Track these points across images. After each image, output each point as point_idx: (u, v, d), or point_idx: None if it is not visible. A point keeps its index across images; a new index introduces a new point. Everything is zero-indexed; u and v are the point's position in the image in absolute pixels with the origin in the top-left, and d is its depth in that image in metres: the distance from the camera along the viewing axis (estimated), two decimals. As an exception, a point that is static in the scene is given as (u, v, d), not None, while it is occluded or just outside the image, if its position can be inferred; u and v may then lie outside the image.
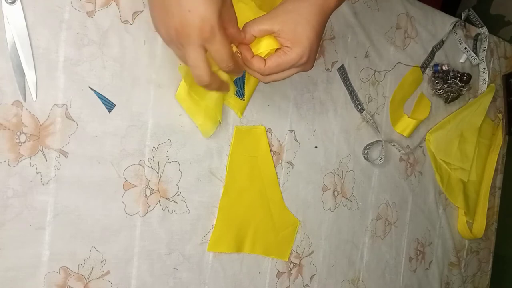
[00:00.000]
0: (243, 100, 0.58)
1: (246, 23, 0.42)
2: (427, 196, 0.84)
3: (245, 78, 0.57)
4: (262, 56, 0.42)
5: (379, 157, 0.73)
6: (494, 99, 0.92)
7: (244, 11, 0.51)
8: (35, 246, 0.45)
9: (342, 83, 0.69)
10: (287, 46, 0.42)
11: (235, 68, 0.41)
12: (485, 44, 0.89)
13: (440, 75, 0.81)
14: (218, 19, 0.36)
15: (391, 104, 0.76)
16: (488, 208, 0.93)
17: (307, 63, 0.43)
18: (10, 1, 0.42)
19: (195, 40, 0.37)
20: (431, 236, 0.86)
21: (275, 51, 0.43)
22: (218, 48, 0.38)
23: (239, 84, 0.57)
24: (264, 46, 0.42)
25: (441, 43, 0.82)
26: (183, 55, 0.39)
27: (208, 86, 0.41)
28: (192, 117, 0.54)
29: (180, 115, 0.53)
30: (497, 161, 0.94)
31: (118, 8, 0.48)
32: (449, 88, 0.81)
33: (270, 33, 0.42)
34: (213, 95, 0.52)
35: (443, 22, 0.83)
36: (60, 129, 0.46)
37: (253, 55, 0.43)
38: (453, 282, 0.91)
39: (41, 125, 0.44)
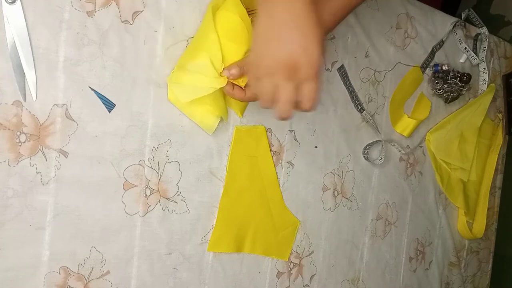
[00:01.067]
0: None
1: (237, 62, 0.49)
2: (427, 196, 0.84)
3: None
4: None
5: (379, 157, 0.73)
6: (494, 99, 0.92)
7: (230, 20, 0.52)
8: (35, 246, 0.45)
9: (342, 83, 0.69)
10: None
11: (234, 72, 0.49)
12: (485, 44, 0.89)
13: (440, 75, 0.81)
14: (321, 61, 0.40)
15: (391, 104, 0.76)
16: (488, 208, 0.93)
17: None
18: (10, 1, 0.42)
19: (302, 76, 0.40)
20: (431, 236, 0.86)
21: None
22: (315, 86, 0.41)
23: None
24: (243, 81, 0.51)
25: (441, 43, 0.82)
26: (270, 88, 0.42)
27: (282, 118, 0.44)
28: (189, 116, 0.54)
29: (180, 115, 0.53)
30: (497, 161, 0.94)
31: (118, 8, 0.48)
32: (449, 88, 0.81)
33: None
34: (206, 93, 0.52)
35: (443, 22, 0.83)
36: (60, 129, 0.46)
37: (233, 87, 0.51)
38: (453, 282, 0.91)
39: (41, 125, 0.44)
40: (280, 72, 0.40)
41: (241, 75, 0.50)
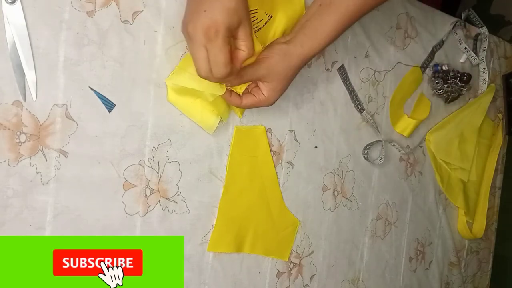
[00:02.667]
0: (243, 100, 0.58)
1: (241, 69, 0.48)
2: (427, 196, 0.84)
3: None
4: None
5: (379, 157, 0.73)
6: (494, 99, 0.92)
7: None
8: (35, 246, 0.45)
9: (342, 83, 0.69)
10: (263, 93, 0.51)
11: (229, 79, 0.46)
12: (485, 44, 0.89)
13: (440, 75, 0.81)
14: (225, 29, 0.41)
15: (391, 104, 0.76)
16: (488, 208, 0.93)
17: (272, 104, 0.53)
18: (10, 1, 0.42)
19: (199, 38, 0.41)
20: (431, 236, 0.86)
21: (249, 89, 0.52)
22: (216, 53, 0.42)
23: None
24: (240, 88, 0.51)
25: (441, 43, 0.82)
26: (190, 48, 0.44)
27: (207, 79, 0.46)
28: (189, 116, 0.54)
29: (180, 115, 0.53)
30: (497, 161, 0.94)
31: (118, 8, 0.48)
32: (449, 88, 0.81)
33: (255, 80, 0.51)
34: (204, 91, 0.52)
35: (443, 22, 0.83)
36: (60, 129, 0.46)
37: (231, 94, 0.51)
38: (453, 282, 0.91)
39: (41, 125, 0.44)
40: (188, 33, 0.42)
41: (239, 83, 0.50)
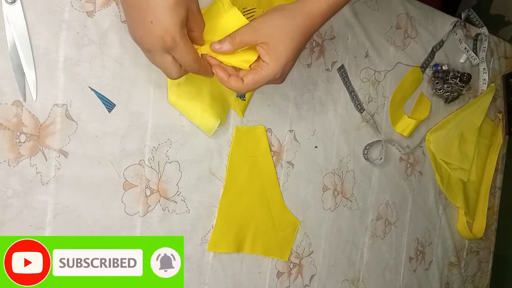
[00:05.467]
0: (244, 100, 0.58)
1: (228, 34, 0.42)
2: (427, 196, 0.84)
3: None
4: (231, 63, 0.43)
5: (379, 157, 0.73)
6: (494, 99, 0.92)
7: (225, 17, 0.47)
8: (35, 246, 0.45)
9: (342, 83, 0.69)
10: (264, 61, 0.42)
11: (202, 71, 0.42)
12: (485, 44, 0.89)
13: (440, 75, 0.81)
14: (180, 30, 0.38)
15: (391, 104, 0.76)
16: (488, 208, 0.93)
17: (280, 79, 0.44)
18: (10, 1, 0.42)
19: (158, 49, 0.39)
20: (431, 236, 0.86)
21: (251, 67, 0.43)
22: (182, 56, 0.40)
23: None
24: (237, 62, 0.43)
25: (441, 43, 0.82)
26: (152, 59, 0.41)
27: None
28: (190, 118, 0.54)
29: (180, 115, 0.53)
30: (497, 161, 0.94)
31: (118, 8, 0.48)
32: (449, 88, 0.81)
33: (251, 44, 0.42)
34: (205, 93, 0.52)
35: (443, 22, 0.83)
36: (60, 129, 0.46)
37: (229, 76, 0.43)
38: (453, 282, 0.91)
39: (41, 125, 0.44)
40: (143, 47, 0.40)
41: (234, 48, 0.42)
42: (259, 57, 0.43)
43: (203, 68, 0.43)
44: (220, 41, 0.42)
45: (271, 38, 0.42)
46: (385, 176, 0.77)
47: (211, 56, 0.44)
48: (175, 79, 0.42)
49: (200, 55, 0.43)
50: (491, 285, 1.00)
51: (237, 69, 0.44)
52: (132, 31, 0.40)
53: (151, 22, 0.37)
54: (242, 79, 0.43)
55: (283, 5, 0.43)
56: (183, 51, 0.39)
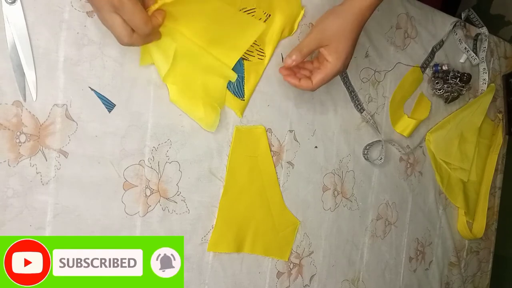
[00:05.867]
0: (243, 100, 0.58)
1: (296, 47, 0.50)
2: (427, 196, 0.84)
3: (245, 78, 0.57)
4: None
5: (379, 157, 0.73)
6: (494, 99, 0.92)
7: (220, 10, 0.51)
8: (35, 246, 0.45)
9: (342, 83, 0.69)
10: (328, 61, 0.50)
11: (152, 35, 0.44)
12: (485, 44, 0.88)
13: (440, 75, 0.81)
14: None
15: (391, 104, 0.76)
16: (488, 208, 0.93)
17: (343, 71, 0.53)
18: (10, 1, 0.42)
19: (106, 7, 0.40)
20: (431, 236, 0.86)
21: (316, 67, 0.53)
22: (130, 18, 0.40)
23: (239, 84, 0.57)
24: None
25: (441, 43, 0.82)
26: (102, 19, 0.42)
27: (132, 44, 0.43)
28: (191, 114, 0.53)
29: (180, 115, 0.53)
30: (497, 161, 0.94)
31: (118, 8, 0.48)
32: (449, 88, 0.81)
33: (316, 50, 0.51)
34: (204, 86, 0.53)
35: (443, 22, 0.83)
36: (60, 129, 0.46)
37: (300, 79, 0.52)
38: (453, 282, 0.91)
39: (41, 125, 0.44)
40: (93, 8, 0.42)
41: (302, 58, 0.50)
42: (322, 57, 0.51)
43: (154, 30, 0.43)
44: (289, 55, 0.49)
45: (332, 41, 0.49)
46: (385, 176, 0.77)
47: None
48: (126, 44, 0.42)
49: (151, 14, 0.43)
50: (491, 285, 1.00)
51: (301, 67, 0.54)
52: None
53: None
54: (311, 79, 0.51)
55: (335, 8, 0.51)
56: (131, 12, 0.39)
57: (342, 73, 0.53)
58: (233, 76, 0.54)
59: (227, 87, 0.56)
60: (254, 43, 0.57)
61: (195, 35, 0.50)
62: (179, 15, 0.48)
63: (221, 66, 0.53)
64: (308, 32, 0.52)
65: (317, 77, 0.51)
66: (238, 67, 0.56)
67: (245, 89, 0.58)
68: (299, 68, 0.55)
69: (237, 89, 0.57)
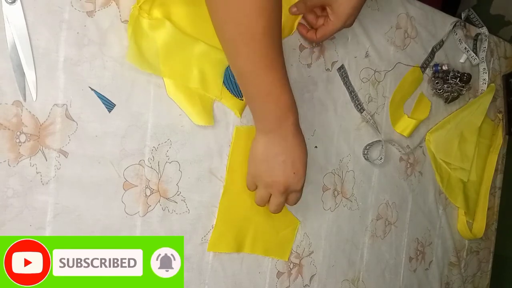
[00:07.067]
0: (242, 100, 0.58)
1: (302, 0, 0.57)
2: (427, 196, 0.84)
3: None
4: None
5: (379, 157, 0.73)
6: (494, 99, 0.92)
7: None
8: (35, 246, 0.45)
9: (342, 83, 0.69)
10: (330, 19, 0.55)
11: (299, 8, 0.59)
12: (485, 44, 0.88)
13: (440, 75, 0.81)
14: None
15: (391, 104, 0.76)
16: (488, 208, 0.93)
17: (346, 27, 0.57)
18: (10, 1, 0.42)
19: (290, 191, 0.53)
20: (431, 236, 0.86)
21: (320, 24, 0.59)
22: (298, 196, 0.55)
23: (237, 84, 0.57)
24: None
25: (441, 43, 0.82)
26: (267, 198, 0.55)
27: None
28: (191, 108, 0.53)
29: (180, 115, 0.53)
30: (497, 161, 0.94)
31: (118, 8, 0.48)
32: (449, 88, 0.81)
33: (319, 6, 0.57)
34: (201, 76, 0.53)
35: (443, 22, 0.83)
36: (60, 129, 0.46)
37: (308, 30, 0.60)
38: (453, 282, 0.91)
39: (41, 125, 0.44)
40: (275, 188, 0.52)
41: (306, 10, 0.58)
42: (327, 14, 0.57)
43: None
44: (295, 5, 0.56)
45: (335, 2, 0.54)
46: (385, 176, 0.77)
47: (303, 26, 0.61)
48: (277, 212, 0.56)
49: None
50: (491, 285, 1.00)
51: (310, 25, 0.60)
52: (265, 177, 0.52)
53: (294, 173, 0.51)
54: (315, 32, 0.58)
55: None
56: (300, 193, 0.56)
57: (349, 27, 0.58)
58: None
59: (226, 87, 0.56)
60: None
61: (185, 25, 0.51)
62: (169, 4, 0.50)
63: (214, 51, 0.53)
64: None
65: (320, 32, 0.58)
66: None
67: (245, 89, 0.57)
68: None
69: (236, 89, 0.57)
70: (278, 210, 0.55)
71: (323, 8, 0.58)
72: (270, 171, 0.51)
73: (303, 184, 0.53)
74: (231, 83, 0.56)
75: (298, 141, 0.52)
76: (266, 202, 0.55)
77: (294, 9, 0.57)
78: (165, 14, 0.50)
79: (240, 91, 0.57)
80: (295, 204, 0.56)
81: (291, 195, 0.54)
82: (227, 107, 0.57)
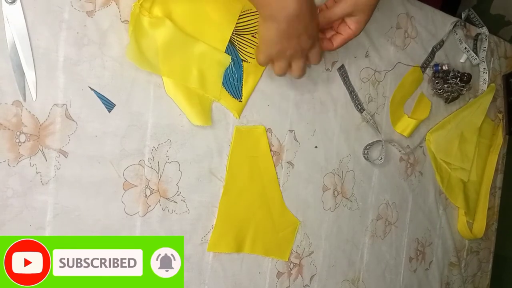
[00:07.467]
0: (241, 101, 0.58)
1: (324, 13, 0.54)
2: (427, 196, 0.84)
3: (243, 80, 0.57)
4: None
5: (379, 157, 0.73)
6: (494, 99, 0.92)
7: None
8: (35, 246, 0.45)
9: (342, 83, 0.69)
10: (350, 28, 0.56)
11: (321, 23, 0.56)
12: (485, 44, 0.88)
13: (440, 75, 0.81)
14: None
15: (391, 104, 0.76)
16: (488, 208, 0.93)
17: (357, 35, 0.57)
18: (10, 1, 0.42)
19: (306, 51, 0.54)
20: (431, 236, 0.86)
21: (338, 33, 0.57)
22: (317, 50, 0.55)
23: (237, 85, 0.57)
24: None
25: (441, 43, 0.82)
26: (286, 65, 0.55)
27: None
28: (189, 108, 0.53)
29: (180, 115, 0.53)
30: (497, 161, 0.94)
31: (118, 8, 0.48)
32: (449, 88, 0.81)
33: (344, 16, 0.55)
34: (200, 76, 0.53)
35: (443, 22, 0.83)
36: (60, 129, 0.46)
37: (323, 40, 0.58)
38: (453, 282, 0.91)
39: (41, 125, 0.44)
40: (295, 56, 0.53)
41: (328, 23, 0.56)
42: (344, 23, 0.56)
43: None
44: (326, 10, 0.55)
45: (360, 12, 0.54)
46: (385, 176, 0.77)
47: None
48: (302, 74, 0.57)
49: None
50: (491, 285, 1.00)
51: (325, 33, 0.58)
52: (286, 48, 0.52)
53: (307, 37, 0.51)
54: (331, 41, 0.57)
55: None
56: (318, 48, 0.55)
57: (341, 69, 0.60)
58: (227, 60, 0.55)
59: (225, 89, 0.56)
60: (254, 45, 0.57)
61: (186, 24, 0.51)
62: (170, 3, 0.50)
63: (215, 52, 0.53)
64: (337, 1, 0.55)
65: (338, 40, 0.57)
66: (237, 68, 0.57)
67: (243, 91, 0.58)
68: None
69: (234, 90, 0.57)
70: (303, 72, 0.56)
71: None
72: (287, 48, 0.52)
73: (317, 32, 0.53)
74: (230, 84, 0.56)
75: (307, 11, 0.49)
76: (286, 71, 0.56)
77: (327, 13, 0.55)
78: (166, 13, 0.50)
79: (239, 93, 0.57)
80: (319, 61, 0.57)
81: (310, 53, 0.54)
82: (226, 108, 0.57)
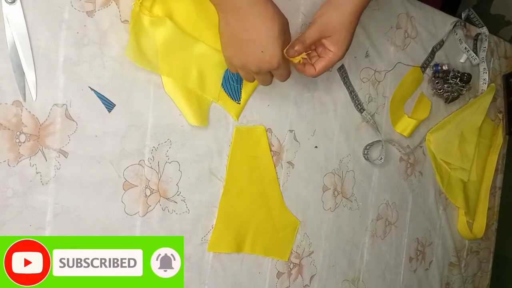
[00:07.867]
0: (239, 103, 0.58)
1: (298, 38, 0.50)
2: (427, 196, 0.84)
3: (242, 81, 0.57)
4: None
5: (379, 157, 0.73)
6: (494, 99, 0.92)
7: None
8: (35, 246, 0.45)
9: (342, 83, 0.69)
10: (330, 50, 0.52)
11: (296, 49, 0.51)
12: (485, 44, 0.88)
13: (440, 75, 0.81)
14: (281, 53, 0.47)
15: (391, 104, 0.76)
16: (488, 208, 0.93)
17: (343, 57, 0.54)
18: (10, 1, 0.42)
19: (265, 70, 0.49)
20: (431, 236, 0.86)
21: (320, 57, 0.54)
22: (281, 73, 0.50)
23: (236, 87, 0.57)
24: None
25: (441, 43, 0.82)
26: (251, 77, 0.51)
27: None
28: (187, 108, 0.53)
29: (180, 115, 0.53)
30: (497, 161, 0.94)
31: (118, 8, 0.48)
32: (449, 88, 0.81)
33: (317, 41, 0.52)
34: (200, 76, 0.54)
35: (443, 22, 0.83)
36: (60, 129, 0.46)
37: (305, 65, 0.53)
38: (453, 282, 0.91)
39: (41, 125, 0.44)
40: (249, 69, 0.49)
41: (305, 49, 0.50)
42: (323, 47, 0.53)
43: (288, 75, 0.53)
44: (292, 46, 0.49)
45: (334, 33, 0.51)
46: (385, 176, 0.77)
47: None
48: (268, 84, 0.53)
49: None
50: (491, 285, 1.00)
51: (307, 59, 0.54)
52: (235, 59, 0.49)
53: (261, 51, 0.46)
54: (314, 66, 0.54)
55: (332, 1, 0.52)
56: (283, 69, 0.49)
57: (341, 69, 0.57)
58: None
59: (224, 90, 0.56)
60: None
61: (186, 24, 0.51)
62: (170, 2, 0.50)
63: (215, 53, 0.53)
64: (309, 24, 0.52)
65: (320, 65, 0.53)
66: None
67: (242, 93, 0.58)
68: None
69: (233, 91, 0.57)
70: (266, 83, 0.52)
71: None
72: (238, 52, 0.48)
73: (280, 61, 0.47)
74: (229, 86, 0.56)
75: (257, 14, 0.45)
76: (252, 79, 0.52)
77: (292, 51, 0.50)
78: (167, 12, 0.50)
79: (238, 95, 0.57)
80: (285, 80, 0.52)
81: (273, 73, 0.50)
82: (225, 110, 0.57)
